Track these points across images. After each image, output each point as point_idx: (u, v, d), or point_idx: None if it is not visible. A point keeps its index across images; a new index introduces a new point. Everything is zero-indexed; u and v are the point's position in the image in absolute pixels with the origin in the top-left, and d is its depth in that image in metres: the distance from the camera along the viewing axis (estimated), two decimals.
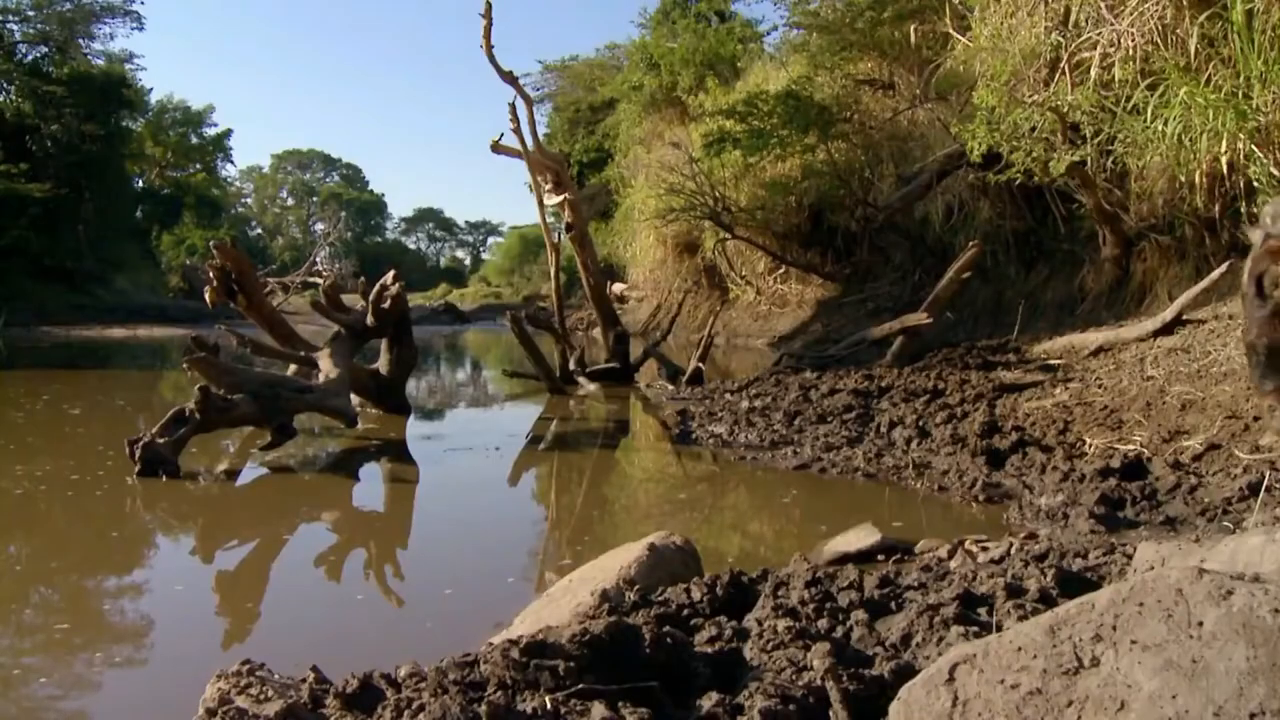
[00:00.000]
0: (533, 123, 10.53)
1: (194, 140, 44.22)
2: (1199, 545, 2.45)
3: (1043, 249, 10.66)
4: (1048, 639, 1.50)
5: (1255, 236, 3.82)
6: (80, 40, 31.56)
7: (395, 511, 5.11)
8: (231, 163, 52.18)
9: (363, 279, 8.60)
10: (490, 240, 78.96)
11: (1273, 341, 3.74)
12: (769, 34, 22.30)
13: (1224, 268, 6.56)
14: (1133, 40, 7.11)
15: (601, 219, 25.37)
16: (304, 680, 2.03)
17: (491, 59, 10.27)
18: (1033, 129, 7.67)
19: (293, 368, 7.28)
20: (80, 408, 8.66)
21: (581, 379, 10.09)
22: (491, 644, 2.11)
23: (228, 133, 45.69)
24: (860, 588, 2.61)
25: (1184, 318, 6.66)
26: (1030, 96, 7.83)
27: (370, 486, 5.71)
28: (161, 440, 5.35)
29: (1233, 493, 3.76)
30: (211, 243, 7.38)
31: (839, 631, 2.32)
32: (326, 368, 6.85)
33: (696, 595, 2.60)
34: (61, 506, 4.80)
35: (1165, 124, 6.47)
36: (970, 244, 9.00)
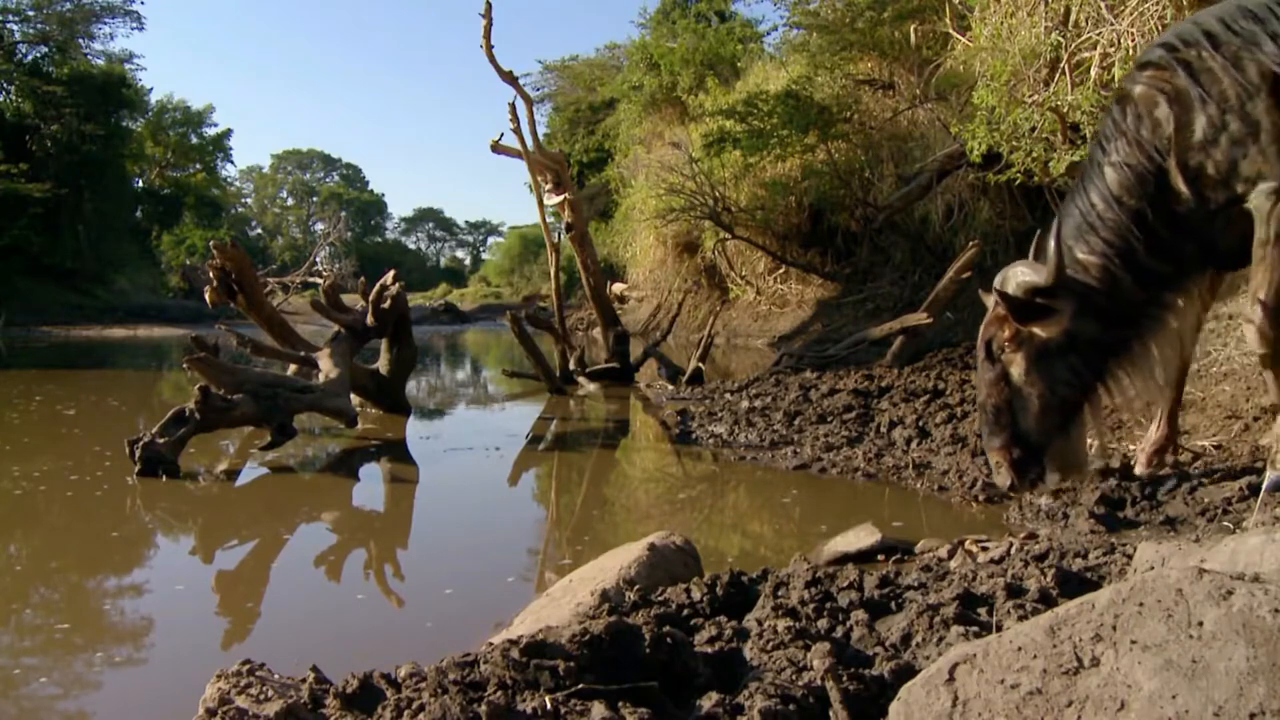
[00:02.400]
0: (533, 123, 10.54)
1: (194, 140, 44.22)
2: (1199, 545, 2.45)
3: None
4: (1048, 639, 1.50)
5: (990, 301, 4.00)
6: (80, 40, 31.61)
7: (395, 511, 5.11)
8: (231, 163, 52.36)
9: (363, 279, 8.60)
10: (490, 240, 79.17)
11: (999, 403, 3.93)
12: (769, 34, 22.34)
13: None
14: (1133, 40, 7.11)
15: (601, 219, 25.37)
16: (304, 680, 2.03)
17: (491, 59, 10.28)
18: (1033, 129, 7.66)
19: (293, 368, 7.28)
20: (77, 408, 8.66)
21: (581, 379, 10.09)
22: (491, 644, 2.11)
23: (228, 133, 45.75)
24: (860, 588, 2.61)
25: None
26: (1030, 96, 7.83)
27: (370, 486, 5.71)
28: (161, 440, 5.35)
29: (1233, 493, 3.76)
30: (211, 243, 7.37)
31: (839, 631, 2.32)
32: (326, 368, 6.85)
33: (696, 595, 2.60)
34: (60, 506, 4.80)
35: None
36: (970, 244, 9.00)
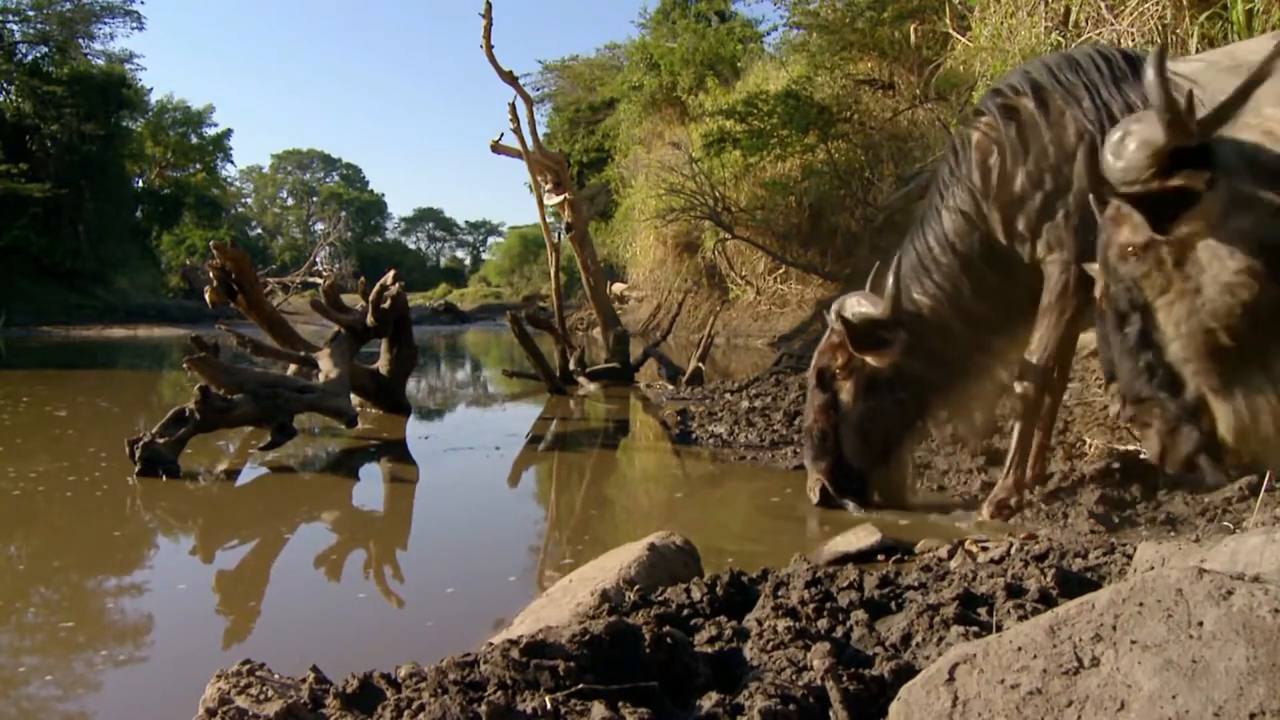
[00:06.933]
0: (533, 123, 10.53)
1: (194, 140, 44.21)
2: (1199, 545, 2.45)
3: None
4: (1048, 639, 1.50)
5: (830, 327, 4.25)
6: (80, 40, 31.62)
7: (395, 511, 5.11)
8: (231, 163, 52.32)
9: (363, 279, 8.59)
10: (490, 240, 79.25)
11: (825, 428, 4.24)
12: (769, 34, 22.38)
13: None
14: (1133, 40, 7.11)
15: (601, 219, 25.39)
16: (304, 680, 2.03)
17: (491, 59, 10.28)
18: None
19: (293, 368, 7.28)
20: (69, 410, 8.65)
21: (581, 379, 10.09)
22: (491, 644, 2.11)
23: (228, 133, 45.73)
24: (860, 588, 2.61)
25: None
26: None
27: (370, 486, 5.71)
28: (161, 440, 5.35)
29: (1233, 493, 3.76)
30: (211, 243, 7.36)
31: (839, 631, 2.32)
32: (326, 368, 6.85)
33: (696, 595, 2.60)
34: (60, 507, 4.80)
35: None
36: None
